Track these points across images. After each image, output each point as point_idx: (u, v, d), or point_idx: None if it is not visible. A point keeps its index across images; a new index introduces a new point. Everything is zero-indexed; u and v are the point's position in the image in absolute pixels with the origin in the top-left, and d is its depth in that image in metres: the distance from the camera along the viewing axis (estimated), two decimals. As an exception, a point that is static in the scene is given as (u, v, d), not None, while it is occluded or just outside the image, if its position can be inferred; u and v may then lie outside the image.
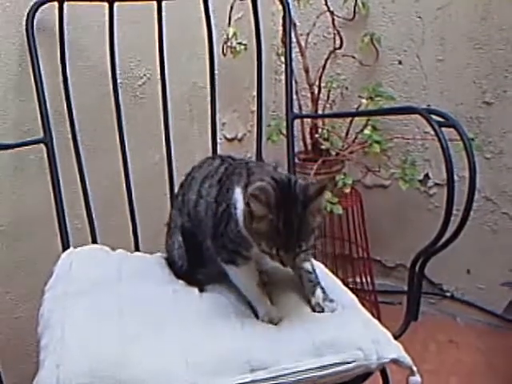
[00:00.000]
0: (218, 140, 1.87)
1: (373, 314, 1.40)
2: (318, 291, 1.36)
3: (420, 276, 1.43)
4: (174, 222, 1.54)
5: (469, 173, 1.27)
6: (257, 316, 1.32)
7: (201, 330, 1.27)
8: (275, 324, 1.30)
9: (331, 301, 1.36)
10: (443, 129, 1.31)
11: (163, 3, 1.77)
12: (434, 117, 1.35)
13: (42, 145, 1.61)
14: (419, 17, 2.33)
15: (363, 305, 1.42)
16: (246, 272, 1.36)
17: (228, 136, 2.36)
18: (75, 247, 1.61)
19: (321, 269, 1.52)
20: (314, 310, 1.34)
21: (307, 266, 1.39)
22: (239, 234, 1.29)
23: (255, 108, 1.87)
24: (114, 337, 1.22)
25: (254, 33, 1.84)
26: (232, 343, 1.22)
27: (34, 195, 1.72)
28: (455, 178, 1.27)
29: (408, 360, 1.25)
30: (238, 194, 1.30)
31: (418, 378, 1.26)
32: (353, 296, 1.44)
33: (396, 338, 1.32)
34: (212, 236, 1.39)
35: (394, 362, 1.24)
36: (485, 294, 2.45)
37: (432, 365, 2.19)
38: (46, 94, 1.62)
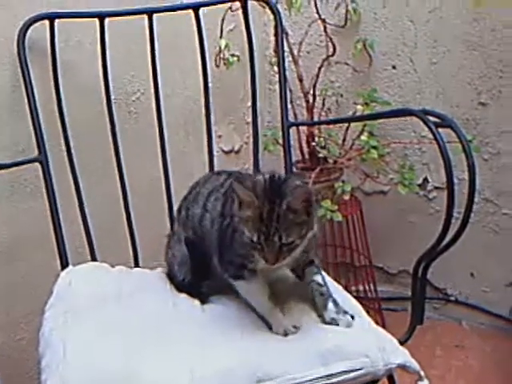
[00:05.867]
0: (215, 153, 1.87)
1: (377, 322, 1.40)
2: (330, 305, 1.33)
3: (423, 280, 1.42)
4: (177, 236, 1.53)
5: (468, 172, 1.27)
6: (270, 328, 1.31)
7: (205, 342, 1.26)
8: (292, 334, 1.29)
9: (345, 313, 1.32)
10: (440, 129, 1.31)
11: (154, 16, 1.76)
12: (430, 118, 1.35)
13: (37, 163, 1.60)
14: (411, 20, 2.33)
15: (367, 312, 1.41)
16: (256, 286, 1.35)
17: (225, 148, 2.35)
18: (74, 265, 1.60)
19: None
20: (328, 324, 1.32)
21: (318, 278, 1.37)
22: (244, 245, 1.28)
23: (251, 119, 1.86)
24: (117, 353, 1.21)
25: (246, 44, 1.84)
26: (237, 355, 1.21)
27: (31, 214, 1.72)
28: (454, 180, 1.26)
29: (415, 365, 1.25)
30: None
31: (426, 382, 1.25)
32: (357, 304, 1.43)
33: (402, 343, 1.32)
34: (218, 253, 1.39)
35: (401, 367, 1.23)
36: (489, 296, 2.42)
37: (439, 370, 2.17)
38: (39, 112, 1.62)
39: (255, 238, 1.23)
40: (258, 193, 1.23)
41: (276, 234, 1.22)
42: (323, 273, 1.42)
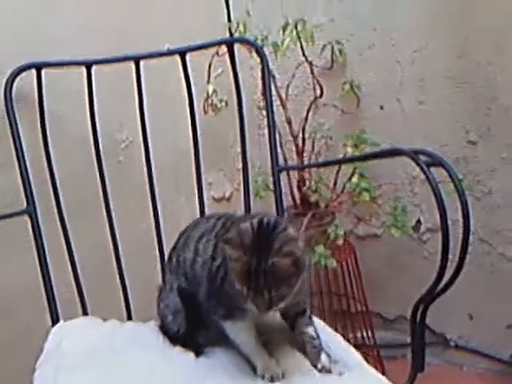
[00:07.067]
0: (206, 200, 1.84)
1: (377, 369, 1.37)
2: (323, 357, 1.32)
3: (422, 324, 1.39)
4: (169, 285, 1.49)
5: (461, 210, 1.24)
6: (255, 371, 1.29)
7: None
8: (277, 380, 1.26)
9: (336, 362, 1.32)
10: (431, 169, 1.29)
11: (141, 63, 1.75)
12: (420, 157, 1.33)
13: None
14: (397, 61, 2.34)
15: (366, 360, 1.39)
16: (244, 326, 1.32)
17: (215, 196, 2.33)
18: (65, 320, 1.57)
19: (321, 326, 1.48)
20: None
21: (310, 331, 1.35)
22: (235, 290, 1.24)
23: (241, 165, 1.84)
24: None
25: (233, 88, 1.83)
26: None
27: (20, 268, 1.68)
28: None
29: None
30: None
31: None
32: (357, 353, 1.40)
33: (404, 392, 1.29)
34: (208, 293, 1.35)
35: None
36: (489, 339, 2.40)
37: (443, 417, 2.14)
38: (27, 163, 1.60)
39: (245, 291, 1.20)
40: (245, 246, 1.20)
41: (265, 288, 1.18)
42: (316, 323, 1.40)
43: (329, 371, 1.30)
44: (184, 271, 1.44)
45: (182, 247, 1.47)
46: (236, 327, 1.33)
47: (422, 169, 1.29)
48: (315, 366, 1.31)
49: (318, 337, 1.35)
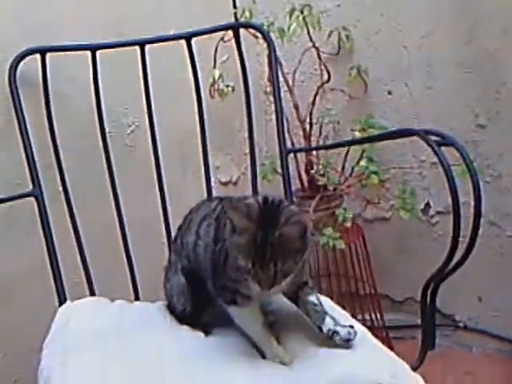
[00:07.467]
0: (213, 184, 1.84)
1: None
2: (328, 319, 1.29)
3: (432, 303, 1.38)
4: (174, 266, 1.49)
5: (473, 189, 1.23)
6: (264, 357, 1.27)
7: (211, 376, 1.22)
8: (287, 364, 1.25)
9: (344, 326, 1.28)
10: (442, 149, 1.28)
11: (146, 47, 1.75)
12: (431, 137, 1.32)
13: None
14: (404, 46, 2.32)
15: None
16: (250, 313, 1.31)
17: (222, 179, 2.33)
18: (72, 301, 1.56)
19: (327, 302, 1.46)
20: (329, 338, 1.27)
21: (312, 298, 1.33)
22: (236, 270, 1.23)
23: (248, 150, 1.83)
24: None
25: (240, 74, 1.82)
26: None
27: (27, 250, 1.68)
28: (456, 204, 1.23)
29: (429, 394, 1.20)
30: None
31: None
32: (363, 328, 1.39)
33: (415, 369, 1.28)
34: (212, 277, 1.34)
35: (415, 395, 1.19)
36: (499, 320, 2.38)
37: (450, 399, 2.12)
38: (33, 146, 1.60)
39: (250, 265, 1.18)
40: (252, 218, 1.19)
41: (271, 261, 1.17)
42: (323, 300, 1.37)
43: (335, 333, 1.27)
44: (187, 253, 1.44)
45: (185, 230, 1.47)
46: (241, 312, 1.32)
47: (432, 148, 1.28)
48: (321, 329, 1.28)
49: (321, 303, 1.33)
